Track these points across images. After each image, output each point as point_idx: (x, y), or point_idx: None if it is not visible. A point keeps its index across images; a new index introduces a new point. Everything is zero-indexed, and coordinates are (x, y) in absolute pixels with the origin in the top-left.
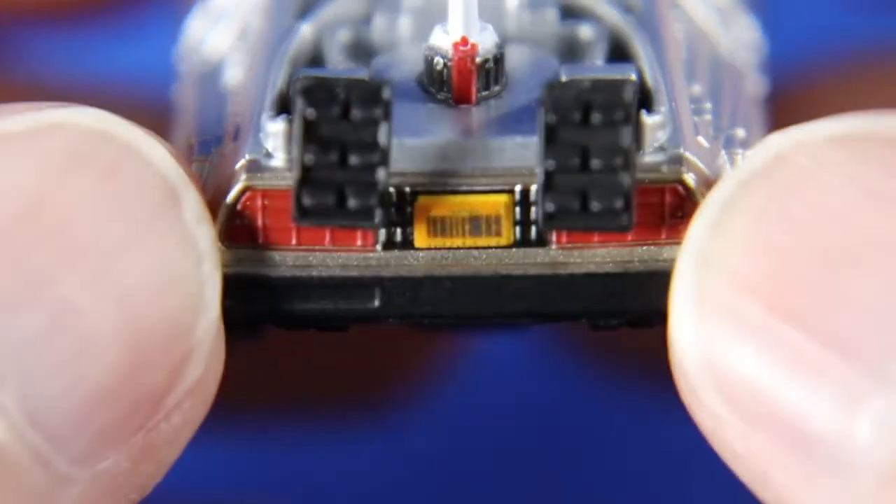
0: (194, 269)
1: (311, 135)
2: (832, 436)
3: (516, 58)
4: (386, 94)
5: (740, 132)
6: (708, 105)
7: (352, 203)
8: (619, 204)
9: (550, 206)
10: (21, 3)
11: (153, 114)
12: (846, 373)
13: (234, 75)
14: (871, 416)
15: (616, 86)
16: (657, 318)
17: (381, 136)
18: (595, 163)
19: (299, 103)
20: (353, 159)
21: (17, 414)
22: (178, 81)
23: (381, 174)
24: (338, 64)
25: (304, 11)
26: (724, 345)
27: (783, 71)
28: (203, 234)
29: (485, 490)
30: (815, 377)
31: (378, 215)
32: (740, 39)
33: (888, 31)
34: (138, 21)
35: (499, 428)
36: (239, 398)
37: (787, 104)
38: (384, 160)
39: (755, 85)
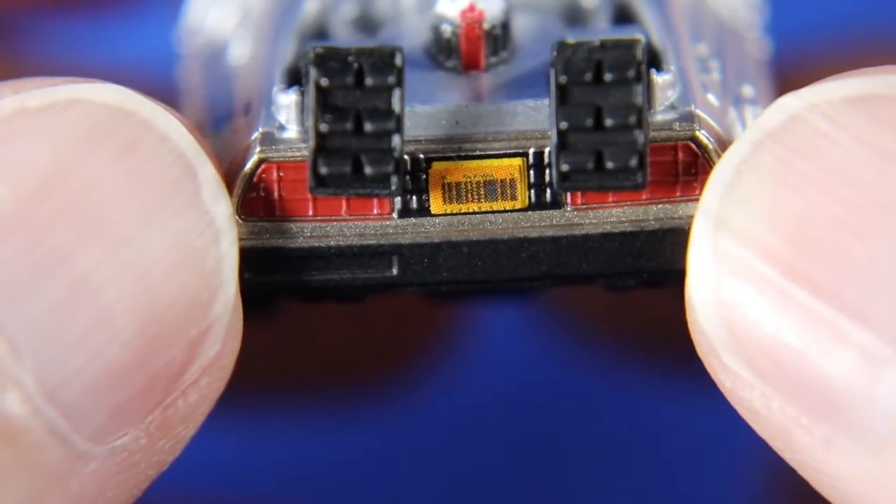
0: (211, 246)
1: (325, 103)
2: (852, 400)
3: (522, 24)
4: (398, 60)
5: (748, 90)
6: (714, 64)
7: (368, 170)
8: (633, 162)
9: (565, 166)
10: None
11: (157, 96)
12: (865, 339)
13: (239, 53)
14: (890, 383)
15: (626, 44)
16: (673, 277)
17: (395, 103)
18: (608, 121)
19: (313, 72)
20: (368, 126)
21: (35, 389)
22: (182, 63)
23: (396, 141)
24: (344, 37)
25: None
26: (742, 306)
27: (784, 52)
28: (220, 210)
29: (498, 464)
30: (835, 342)
31: (395, 182)
32: (742, 2)
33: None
34: (139, 4)
35: (512, 402)
36: (254, 375)
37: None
38: (399, 127)
39: (758, 46)
